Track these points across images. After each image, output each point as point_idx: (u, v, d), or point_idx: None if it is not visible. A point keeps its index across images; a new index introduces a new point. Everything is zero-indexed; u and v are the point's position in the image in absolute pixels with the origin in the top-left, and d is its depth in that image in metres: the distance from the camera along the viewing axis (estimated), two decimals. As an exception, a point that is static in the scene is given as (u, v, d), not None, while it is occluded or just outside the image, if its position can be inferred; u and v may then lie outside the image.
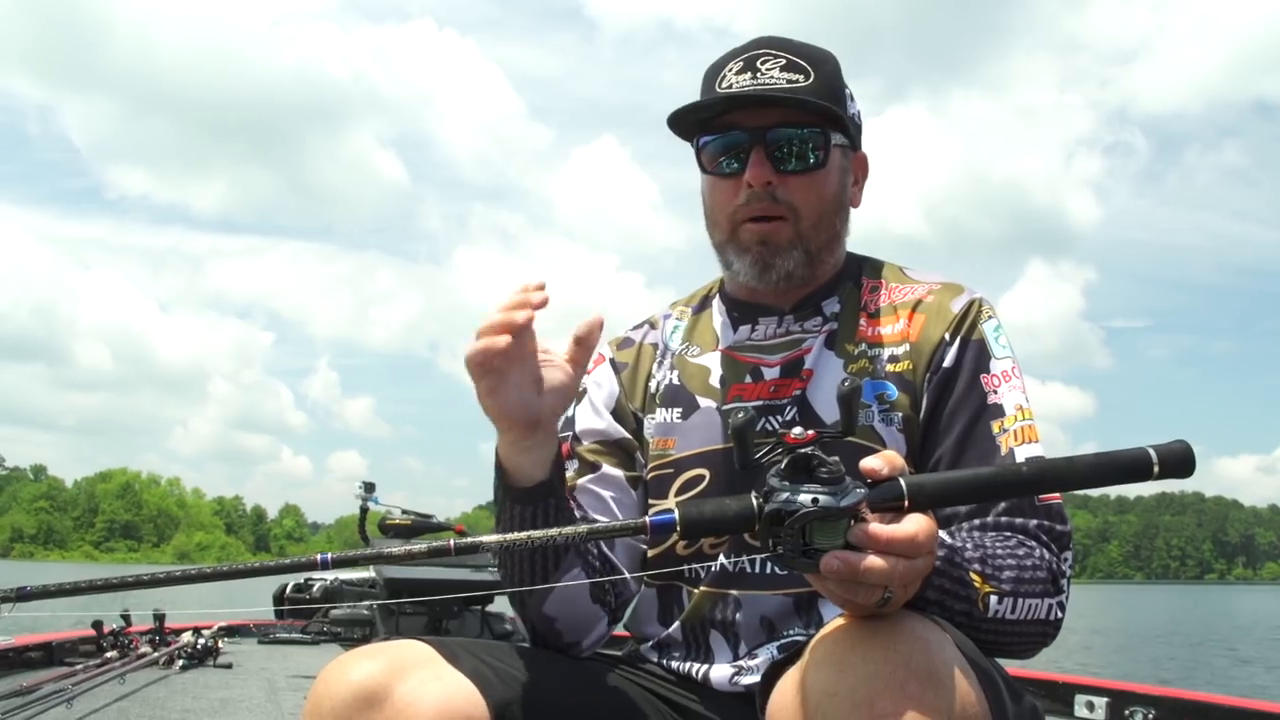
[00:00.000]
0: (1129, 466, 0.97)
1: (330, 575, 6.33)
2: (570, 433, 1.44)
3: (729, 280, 1.47)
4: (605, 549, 1.36)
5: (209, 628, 5.04)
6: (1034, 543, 1.22)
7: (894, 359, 1.34)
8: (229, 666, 4.64)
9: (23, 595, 0.95)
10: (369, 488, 5.55)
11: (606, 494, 1.40)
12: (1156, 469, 0.96)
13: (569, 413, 1.45)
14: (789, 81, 1.31)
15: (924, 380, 1.32)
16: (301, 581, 6.43)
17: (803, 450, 0.95)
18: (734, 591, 1.33)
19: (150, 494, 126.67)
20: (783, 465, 0.95)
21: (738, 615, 1.32)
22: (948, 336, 1.33)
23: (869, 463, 0.94)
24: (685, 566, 1.36)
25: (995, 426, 1.29)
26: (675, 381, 1.44)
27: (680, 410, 1.41)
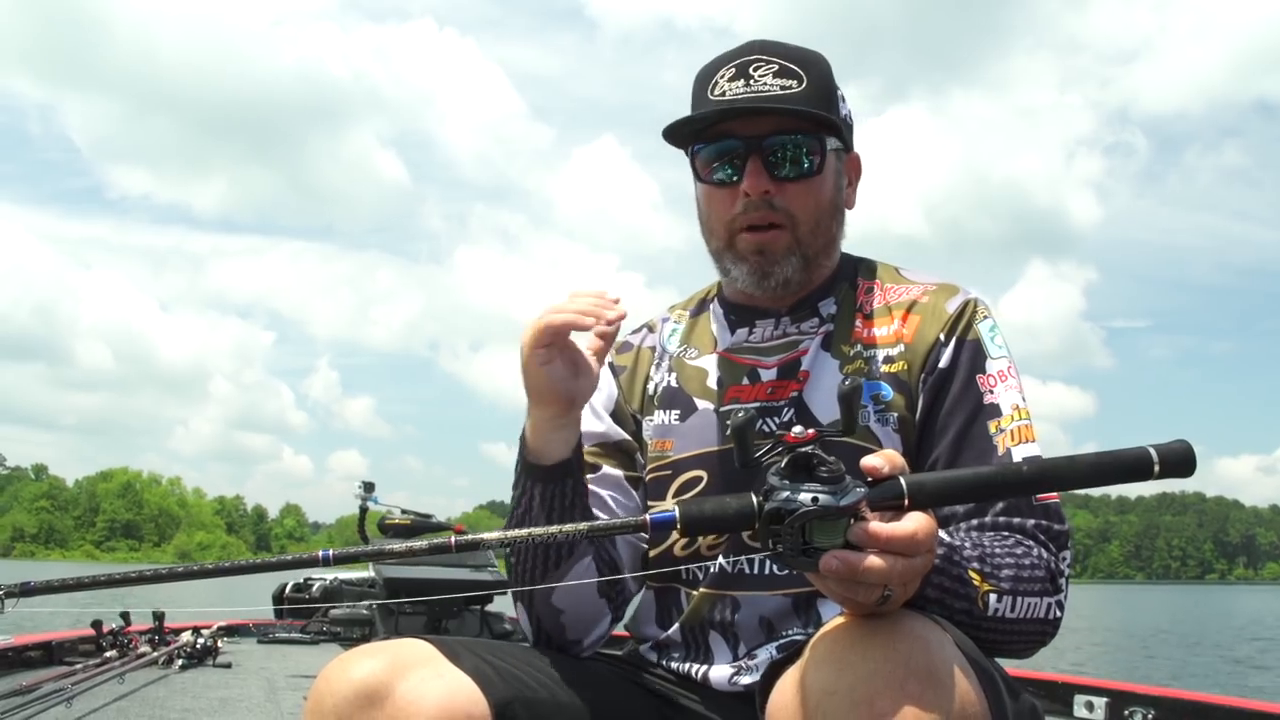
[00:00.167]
0: (1130, 466, 0.97)
1: (330, 575, 6.33)
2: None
3: (726, 285, 1.47)
4: (610, 545, 1.36)
5: (208, 627, 5.04)
6: (1032, 542, 1.23)
7: (889, 360, 1.34)
8: (228, 666, 4.64)
9: (27, 590, 0.95)
10: (368, 487, 5.55)
11: (606, 494, 1.41)
12: (1157, 468, 0.96)
13: None
14: (782, 88, 1.31)
15: (919, 381, 1.32)
16: (301, 581, 6.44)
17: (803, 449, 0.95)
18: (733, 593, 1.33)
19: (151, 493, 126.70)
20: (783, 464, 0.95)
21: (736, 616, 1.32)
22: (943, 337, 1.33)
23: (870, 461, 0.94)
24: (685, 566, 1.36)
25: (992, 426, 1.29)
26: (673, 384, 1.45)
27: (678, 412, 1.42)
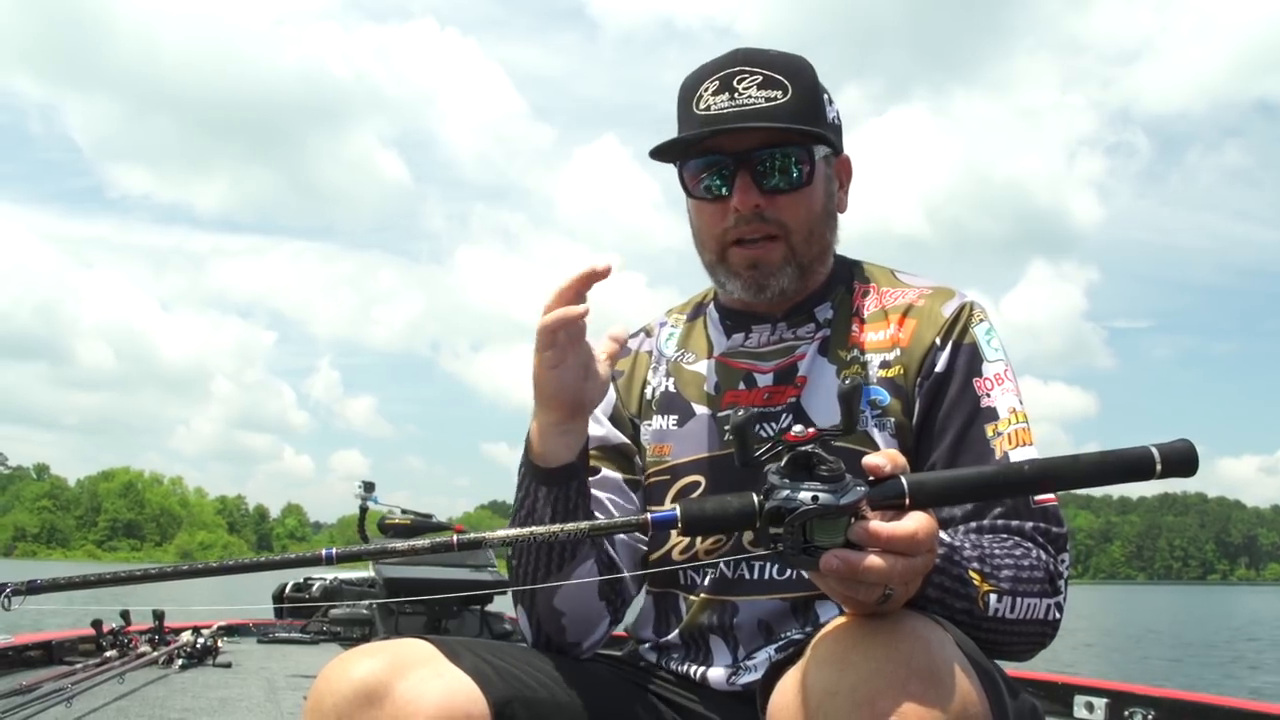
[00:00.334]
0: (1132, 466, 0.96)
1: (330, 574, 6.34)
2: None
3: (722, 294, 1.47)
4: (610, 549, 1.36)
5: (208, 627, 5.04)
6: (1030, 544, 1.23)
7: (885, 364, 1.34)
8: (228, 666, 4.64)
9: (32, 588, 0.96)
10: (368, 487, 5.56)
11: (605, 497, 1.41)
12: (1159, 468, 0.96)
13: None
14: (768, 100, 1.30)
15: (915, 385, 1.32)
16: (301, 581, 6.44)
17: (803, 448, 0.95)
18: (732, 597, 1.33)
19: (153, 493, 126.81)
20: (783, 463, 0.95)
21: (735, 619, 1.33)
22: (939, 341, 1.33)
23: (872, 460, 0.94)
24: (684, 566, 1.36)
25: (989, 430, 1.29)
26: (671, 388, 1.45)
27: (676, 417, 1.42)
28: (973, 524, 1.25)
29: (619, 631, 1.42)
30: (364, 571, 6.22)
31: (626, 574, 1.36)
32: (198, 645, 4.69)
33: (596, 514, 1.38)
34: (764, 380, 1.38)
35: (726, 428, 1.37)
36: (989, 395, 1.30)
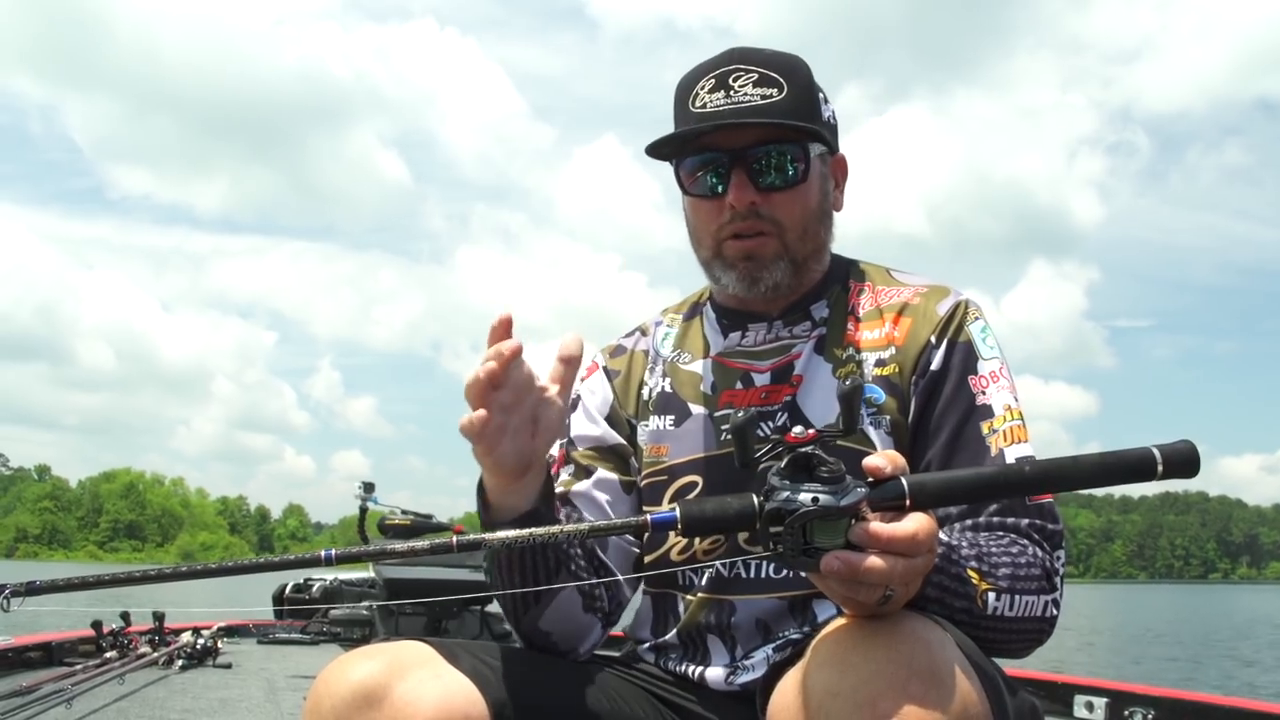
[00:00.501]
0: (1133, 466, 0.96)
1: (330, 575, 6.33)
2: (565, 439, 1.45)
3: (718, 291, 1.47)
4: (600, 554, 1.36)
5: (208, 628, 5.05)
6: (1026, 541, 1.23)
7: (881, 363, 1.34)
8: (228, 667, 4.64)
9: (32, 590, 0.95)
10: (368, 488, 5.56)
11: (602, 498, 1.41)
12: (1161, 469, 0.95)
13: None
14: (763, 97, 1.30)
15: (911, 384, 1.32)
16: (301, 582, 6.45)
17: (803, 449, 0.94)
18: (729, 597, 1.33)
19: (154, 494, 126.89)
20: (783, 464, 0.95)
21: (733, 619, 1.33)
22: (934, 339, 1.33)
23: (872, 461, 0.94)
24: (683, 567, 1.36)
25: (985, 428, 1.29)
26: (668, 388, 1.45)
27: (673, 417, 1.42)
28: (968, 521, 1.25)
29: (617, 632, 1.42)
30: (364, 572, 6.22)
31: (620, 577, 1.36)
32: (198, 646, 4.69)
33: (589, 516, 1.38)
34: (760, 379, 1.38)
35: (724, 428, 1.37)
36: (984, 393, 1.30)
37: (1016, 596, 1.15)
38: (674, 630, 1.38)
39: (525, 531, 0.96)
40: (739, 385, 1.39)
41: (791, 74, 1.33)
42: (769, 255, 1.35)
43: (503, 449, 1.13)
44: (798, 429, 0.96)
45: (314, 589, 6.33)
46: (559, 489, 1.38)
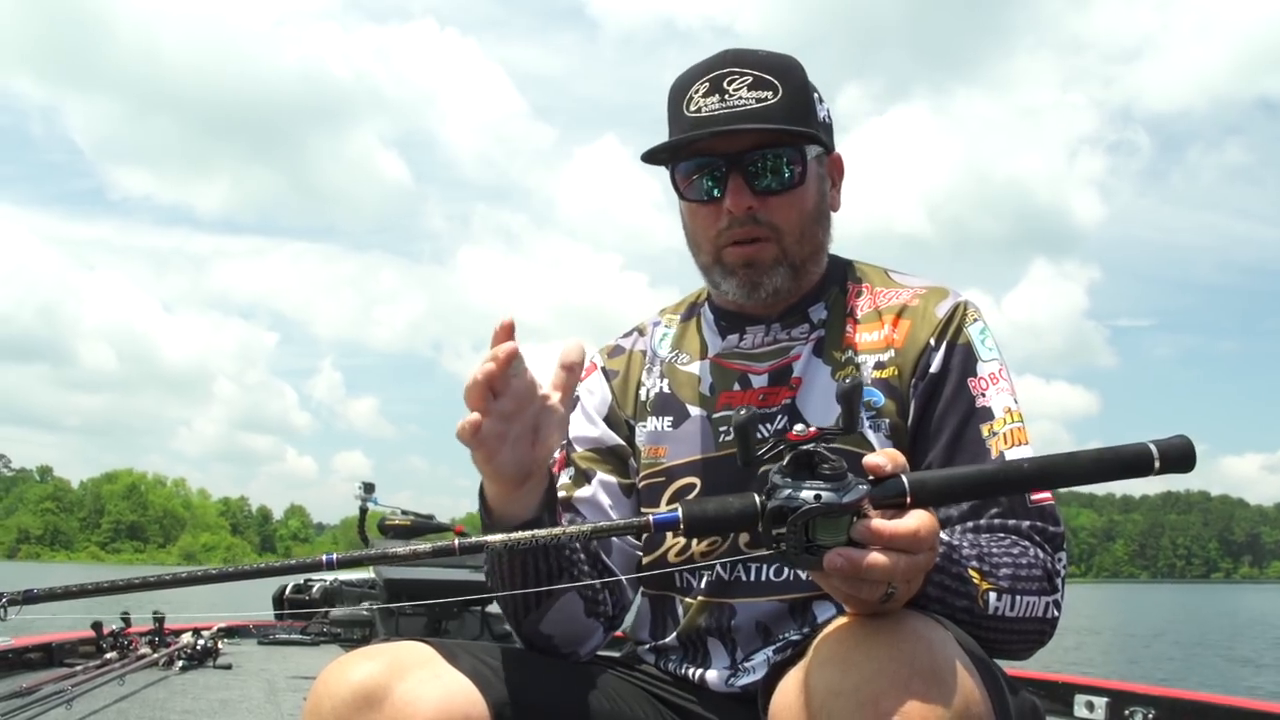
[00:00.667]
0: (1130, 462, 0.96)
1: (330, 576, 6.33)
2: (565, 441, 1.44)
3: (716, 295, 1.46)
4: (604, 557, 1.36)
5: (209, 629, 5.05)
6: (1028, 542, 1.23)
7: (880, 365, 1.33)
8: (229, 667, 4.65)
9: (29, 598, 0.95)
10: (368, 488, 5.56)
11: (602, 500, 1.41)
12: (1157, 464, 0.96)
13: None
14: (758, 101, 1.29)
15: (910, 386, 1.32)
16: (301, 583, 6.44)
17: (805, 447, 0.94)
18: (729, 600, 1.33)
19: (156, 495, 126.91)
20: (785, 462, 0.94)
21: (733, 622, 1.32)
22: (933, 342, 1.33)
23: (873, 459, 0.94)
24: (682, 568, 1.36)
25: (984, 430, 1.29)
26: (666, 390, 1.44)
27: (671, 419, 1.42)
28: (970, 524, 1.25)
29: (618, 632, 1.41)
30: (364, 573, 6.22)
31: (621, 577, 1.36)
32: (198, 647, 4.69)
33: (589, 517, 1.38)
34: (759, 381, 1.38)
35: (724, 428, 1.36)
36: (984, 395, 1.30)
37: (1017, 597, 1.15)
38: (673, 633, 1.37)
39: (528, 533, 0.96)
40: (737, 387, 1.39)
41: (786, 76, 1.32)
42: (768, 261, 1.34)
43: (502, 457, 1.12)
44: (799, 427, 0.96)
45: (314, 590, 6.33)
46: (560, 494, 1.37)
